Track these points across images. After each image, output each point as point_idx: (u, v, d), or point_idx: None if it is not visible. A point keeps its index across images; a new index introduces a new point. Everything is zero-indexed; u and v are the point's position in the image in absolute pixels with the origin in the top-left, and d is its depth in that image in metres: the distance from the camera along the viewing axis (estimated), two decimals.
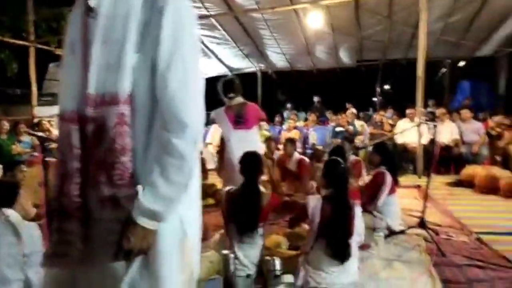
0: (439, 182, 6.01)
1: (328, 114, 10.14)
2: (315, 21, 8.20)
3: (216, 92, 4.06)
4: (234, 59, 11.87)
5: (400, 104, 10.06)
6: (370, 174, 3.94)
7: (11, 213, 2.15)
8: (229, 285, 2.30)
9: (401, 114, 8.24)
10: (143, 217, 1.04)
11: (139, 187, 1.05)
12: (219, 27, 9.51)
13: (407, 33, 9.15)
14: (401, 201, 4.65)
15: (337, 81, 13.45)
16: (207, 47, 10.89)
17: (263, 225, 2.76)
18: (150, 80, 1.07)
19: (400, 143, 7.04)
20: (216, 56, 11.59)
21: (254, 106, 4.12)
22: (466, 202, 4.85)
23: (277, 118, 10.85)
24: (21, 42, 7.98)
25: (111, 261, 1.08)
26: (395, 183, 3.66)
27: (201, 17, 8.72)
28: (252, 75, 12.67)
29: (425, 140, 6.49)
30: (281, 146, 6.04)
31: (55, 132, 8.00)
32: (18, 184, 2.49)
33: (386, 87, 19.71)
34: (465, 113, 7.26)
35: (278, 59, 11.68)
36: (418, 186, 5.52)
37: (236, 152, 3.34)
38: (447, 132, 7.00)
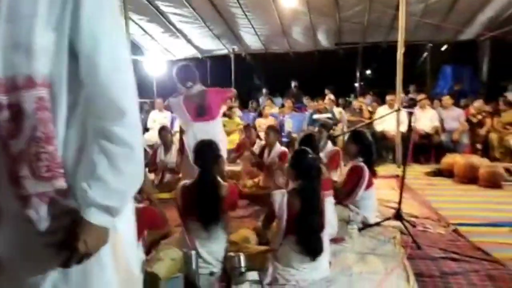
0: (418, 172, 6.18)
1: (306, 100, 10.17)
2: None
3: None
4: (204, 40, 11.69)
5: (382, 89, 10.23)
6: (347, 165, 3.97)
7: None
8: (191, 284, 2.28)
9: (382, 101, 8.38)
10: (97, 215, 1.01)
11: (84, 184, 1.00)
12: (186, 3, 9.31)
13: (387, 14, 9.23)
14: (378, 192, 4.72)
15: (315, 65, 13.46)
16: (174, 26, 10.69)
17: (224, 218, 2.74)
18: (68, 62, 1.01)
19: (379, 131, 7.14)
20: (185, 37, 11.39)
21: (214, 90, 4.08)
22: (445, 192, 4.99)
23: (251, 104, 10.83)
24: None
25: (51, 267, 1.03)
26: (373, 175, 3.71)
27: None
28: (225, 57, 12.54)
29: (404, 127, 6.59)
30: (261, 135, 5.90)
31: None
32: None
33: (367, 72, 20.00)
34: (446, 99, 7.44)
35: (252, 40, 11.59)
36: (397, 176, 5.62)
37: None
38: (427, 119, 7.15)
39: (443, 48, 11.73)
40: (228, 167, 5.43)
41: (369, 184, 3.62)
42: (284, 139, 7.68)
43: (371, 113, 8.01)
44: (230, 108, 7.78)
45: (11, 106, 0.97)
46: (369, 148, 3.74)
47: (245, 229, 3.18)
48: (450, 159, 5.79)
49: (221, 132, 4.20)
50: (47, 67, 0.98)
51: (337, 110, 8.46)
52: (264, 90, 12.14)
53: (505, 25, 9.07)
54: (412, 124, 6.66)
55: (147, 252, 2.76)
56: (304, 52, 12.13)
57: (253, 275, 2.08)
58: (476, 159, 5.52)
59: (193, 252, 2.29)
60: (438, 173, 5.85)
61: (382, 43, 11.33)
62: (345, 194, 3.60)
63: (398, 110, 5.41)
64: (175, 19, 10.37)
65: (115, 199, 1.03)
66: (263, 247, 2.78)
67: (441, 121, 7.21)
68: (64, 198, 1.01)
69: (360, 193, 3.56)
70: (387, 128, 7.04)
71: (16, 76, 0.97)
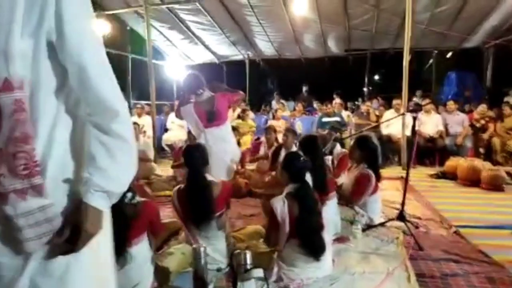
0: (423, 174, 6.05)
1: (316, 104, 10.09)
2: (302, 8, 8.11)
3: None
4: (221, 46, 11.73)
5: (389, 94, 10.10)
6: (351, 169, 3.87)
7: None
8: (200, 279, 2.24)
9: (389, 105, 8.26)
10: (98, 198, 1.04)
11: (86, 173, 1.03)
12: (204, 12, 9.34)
13: (395, 22, 9.10)
14: (383, 193, 4.65)
15: (325, 70, 13.37)
16: (193, 33, 10.75)
17: (220, 215, 2.69)
18: (51, 65, 1.01)
19: (386, 134, 7.04)
20: (203, 43, 11.44)
21: (221, 95, 4.03)
22: (448, 194, 4.86)
23: (264, 107, 10.79)
24: None
25: (27, 263, 1.01)
26: (378, 179, 3.60)
27: (186, 1, 8.55)
28: (240, 63, 12.54)
29: (409, 131, 6.47)
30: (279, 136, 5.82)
31: None
32: None
33: (376, 77, 19.77)
34: (450, 104, 7.29)
35: (266, 47, 11.57)
36: (402, 178, 5.49)
37: (211, 151, 3.22)
38: (432, 123, 7.03)
39: (448, 55, 11.52)
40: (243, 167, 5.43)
41: (375, 190, 3.54)
42: (295, 140, 7.61)
43: (378, 116, 7.89)
44: (243, 111, 7.74)
45: None
46: (374, 153, 3.64)
47: (253, 226, 3.13)
48: (454, 162, 5.65)
49: (231, 134, 4.17)
50: (25, 71, 0.97)
51: (345, 114, 8.37)
52: (276, 94, 12.08)
53: (508, 33, 8.88)
54: (416, 128, 6.60)
55: (159, 247, 2.74)
56: (315, 58, 12.07)
57: (258, 272, 2.03)
58: (478, 163, 5.36)
59: (202, 248, 2.25)
60: (441, 176, 5.71)
61: (390, 49, 11.19)
62: (351, 199, 3.53)
63: (403, 114, 5.30)
64: (194, 27, 10.42)
65: (113, 184, 1.07)
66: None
67: (446, 125, 7.07)
68: (40, 195, 1.00)
69: (365, 198, 3.48)
70: (393, 132, 6.94)
71: None
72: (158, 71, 11.97)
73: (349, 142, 5.71)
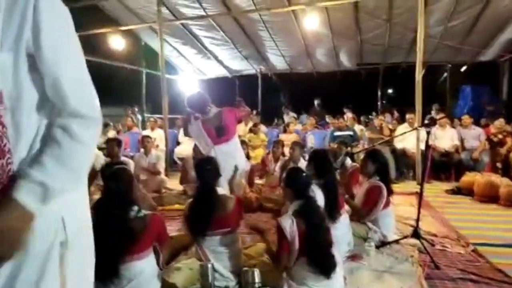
0: (438, 189, 5.91)
1: (328, 118, 10.02)
2: (314, 23, 8.13)
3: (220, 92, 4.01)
4: (233, 61, 11.81)
5: (403, 108, 9.99)
6: (363, 183, 3.79)
7: None
8: None
9: (403, 119, 8.15)
10: (23, 190, 0.93)
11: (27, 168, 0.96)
12: (217, 28, 9.44)
13: (407, 36, 9.04)
14: (397, 209, 4.54)
15: (337, 84, 13.32)
16: (206, 48, 10.85)
17: (232, 231, 2.64)
18: (31, 78, 0.99)
19: (400, 149, 6.93)
20: (216, 58, 11.53)
21: (228, 110, 4.03)
22: (465, 210, 4.71)
23: (276, 121, 10.77)
24: None
25: None
26: (390, 193, 3.51)
27: (199, 17, 8.65)
28: (252, 77, 12.60)
29: (423, 145, 6.36)
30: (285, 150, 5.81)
31: None
32: None
33: (389, 91, 19.62)
34: (466, 118, 7.16)
35: (278, 61, 11.61)
36: (416, 193, 5.37)
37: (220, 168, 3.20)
38: (447, 138, 6.90)
39: (462, 69, 11.37)
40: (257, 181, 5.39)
41: (387, 204, 3.44)
42: (306, 154, 7.56)
43: (392, 130, 7.79)
44: (255, 125, 7.72)
45: None
46: (385, 166, 3.56)
47: (261, 243, 3.06)
48: (470, 178, 5.49)
49: (239, 149, 4.14)
50: (5, 84, 0.95)
51: (358, 128, 8.29)
52: (285, 108, 12.04)
53: None
54: (430, 142, 6.48)
55: (167, 262, 2.69)
56: (327, 72, 12.06)
57: None
58: (496, 178, 5.19)
59: (209, 265, 2.20)
60: (458, 191, 5.55)
61: (402, 63, 11.11)
62: (364, 215, 3.44)
63: (416, 129, 5.20)
64: (207, 42, 10.53)
65: (49, 179, 0.96)
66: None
67: (461, 140, 6.93)
68: None
69: (378, 212, 3.38)
70: (407, 146, 6.82)
71: None
72: (172, 86, 12.10)
73: (360, 156, 5.64)
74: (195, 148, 5.29)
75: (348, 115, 8.52)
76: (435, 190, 5.87)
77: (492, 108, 9.96)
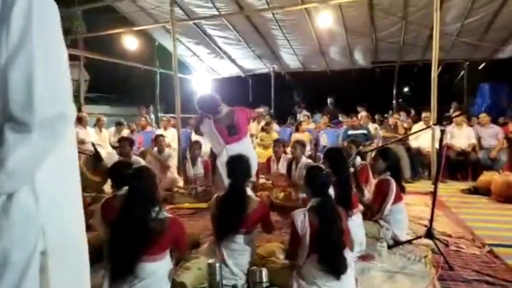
0: (454, 189, 5.80)
1: (341, 117, 9.94)
2: (327, 21, 8.07)
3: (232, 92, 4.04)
4: (246, 60, 11.81)
5: (419, 107, 9.84)
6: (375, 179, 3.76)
7: None
8: None
9: (419, 118, 8.02)
10: None
11: None
12: (230, 27, 9.45)
13: (423, 34, 8.91)
14: (411, 209, 4.48)
15: (351, 83, 13.18)
16: (219, 47, 10.87)
17: (250, 231, 2.63)
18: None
19: (415, 147, 6.83)
20: (229, 57, 11.55)
21: (240, 109, 4.04)
22: (481, 211, 4.60)
23: (289, 120, 10.73)
24: None
25: None
26: (401, 190, 3.47)
27: (212, 17, 8.67)
28: (265, 76, 12.57)
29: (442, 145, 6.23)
30: (289, 149, 5.83)
31: None
32: None
33: (405, 89, 19.34)
34: (483, 117, 7.01)
35: (291, 60, 11.56)
36: (431, 193, 5.27)
37: None
38: (464, 136, 6.77)
39: (480, 67, 11.12)
40: (261, 180, 5.38)
41: (398, 198, 3.39)
42: (319, 154, 7.52)
43: (407, 129, 7.68)
44: (268, 124, 7.70)
45: None
46: (396, 164, 3.51)
47: (273, 243, 3.04)
48: (487, 177, 5.37)
49: (251, 149, 4.15)
50: None
51: (372, 127, 8.19)
52: (298, 107, 11.98)
53: None
54: (446, 141, 6.35)
55: (177, 261, 2.70)
56: (341, 70, 11.95)
57: None
58: None
59: (217, 264, 2.19)
60: (474, 191, 5.43)
61: (418, 61, 10.94)
62: (375, 211, 3.39)
63: (429, 127, 5.11)
64: (220, 41, 10.55)
65: None
66: (289, 262, 2.62)
67: (479, 138, 6.78)
68: None
69: (388, 207, 3.33)
70: (422, 145, 6.72)
71: None
72: (185, 85, 12.17)
73: (372, 155, 5.59)
74: (194, 144, 5.48)
75: (362, 113, 8.43)
76: (451, 190, 5.76)
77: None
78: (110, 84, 13.68)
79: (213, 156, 4.26)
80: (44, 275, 1.03)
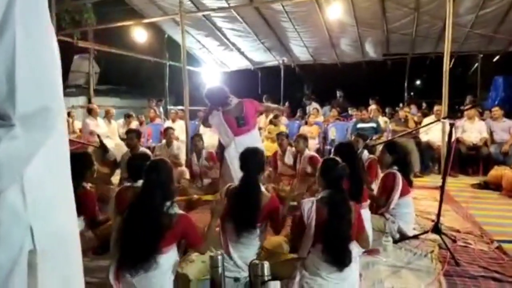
0: (464, 184, 5.72)
1: (350, 110, 9.85)
2: (338, 12, 7.96)
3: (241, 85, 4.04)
4: (256, 53, 11.74)
5: (431, 100, 9.69)
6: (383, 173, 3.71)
7: None
8: None
9: (430, 111, 7.91)
10: None
11: None
12: (240, 19, 9.39)
13: (436, 26, 8.73)
14: (420, 203, 4.45)
15: (362, 75, 13.04)
16: (228, 40, 10.82)
17: (261, 226, 2.62)
18: None
19: (425, 141, 6.74)
20: (238, 50, 11.49)
21: (249, 101, 4.04)
22: (491, 206, 4.53)
23: (298, 113, 10.67)
24: None
25: None
26: (409, 184, 3.43)
27: (221, 8, 8.62)
28: (275, 68, 12.50)
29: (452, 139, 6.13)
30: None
31: (76, 123, 8.14)
32: None
33: (417, 82, 19.09)
34: (496, 110, 6.87)
35: (301, 52, 11.45)
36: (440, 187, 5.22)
37: (237, 162, 3.15)
38: (475, 130, 6.66)
39: (495, 59, 10.89)
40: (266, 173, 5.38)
41: (405, 192, 3.35)
42: (328, 147, 7.48)
43: (417, 123, 7.58)
44: (276, 116, 7.66)
45: None
46: (404, 158, 3.46)
47: (277, 237, 3.04)
48: (498, 172, 5.28)
49: (259, 141, 4.14)
50: None
51: (382, 120, 8.11)
52: (306, 100, 11.87)
53: None
54: (457, 135, 6.26)
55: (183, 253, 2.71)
56: (352, 63, 11.79)
57: (275, 285, 1.94)
58: None
59: (220, 257, 2.19)
60: (484, 186, 5.35)
61: (431, 54, 10.76)
62: (382, 204, 3.37)
63: (438, 120, 5.02)
64: (230, 33, 10.49)
65: None
66: (293, 255, 2.61)
67: (491, 132, 6.66)
68: None
69: (395, 200, 3.30)
70: (432, 139, 6.63)
71: None
72: (194, 78, 12.18)
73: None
74: (196, 137, 5.54)
75: (372, 107, 8.34)
76: (461, 184, 5.69)
77: None
78: (119, 76, 13.79)
79: (221, 148, 4.24)
80: (33, 275, 1.00)
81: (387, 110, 10.36)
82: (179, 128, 7.50)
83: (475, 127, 6.70)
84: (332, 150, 3.58)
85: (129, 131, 5.11)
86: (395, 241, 3.19)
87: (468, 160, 6.54)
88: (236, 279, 2.43)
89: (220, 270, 2.17)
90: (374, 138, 6.56)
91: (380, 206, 3.43)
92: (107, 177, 5.16)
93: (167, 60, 11.61)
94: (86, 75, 11.25)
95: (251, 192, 2.60)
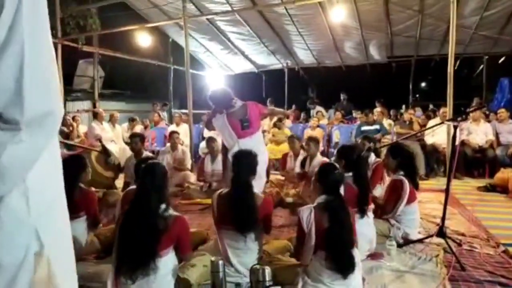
0: (470, 186, 5.66)
1: (354, 113, 9.82)
2: (341, 15, 7.94)
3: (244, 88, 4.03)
4: (260, 56, 11.75)
5: (436, 102, 9.62)
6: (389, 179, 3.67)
7: None
8: None
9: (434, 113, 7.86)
10: None
11: None
12: (243, 22, 9.40)
13: (440, 28, 8.69)
14: (425, 206, 4.40)
15: (367, 78, 13.00)
16: (232, 43, 10.84)
17: (257, 229, 2.59)
18: None
19: (430, 144, 6.68)
20: (242, 53, 11.51)
21: (253, 104, 4.02)
22: (497, 209, 4.47)
23: (302, 116, 10.64)
24: None
25: None
26: (415, 187, 3.38)
27: (225, 12, 8.64)
28: (279, 71, 12.50)
29: (456, 141, 6.07)
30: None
31: (81, 127, 8.18)
32: None
33: (422, 84, 19.00)
34: (502, 112, 6.80)
35: (305, 55, 11.44)
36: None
37: None
38: (481, 132, 6.60)
39: (500, 61, 10.81)
40: (272, 176, 5.35)
41: (411, 199, 3.30)
42: (332, 150, 7.44)
43: (422, 126, 7.52)
44: (280, 120, 7.65)
45: None
46: (409, 161, 3.41)
47: (280, 241, 3.02)
48: (505, 174, 5.21)
49: (262, 144, 4.11)
50: None
51: (387, 122, 8.06)
52: (310, 103, 11.83)
53: None
54: (462, 137, 6.20)
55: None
56: (356, 65, 11.76)
57: None
58: None
59: (221, 262, 2.17)
60: (491, 189, 5.28)
61: (435, 56, 10.70)
62: (387, 211, 3.32)
63: (442, 123, 4.98)
64: (234, 37, 10.52)
65: None
66: (294, 261, 2.58)
67: (497, 134, 6.60)
68: None
69: (401, 208, 3.26)
70: (438, 141, 6.57)
71: None
72: (199, 81, 12.21)
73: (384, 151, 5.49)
74: (209, 141, 5.46)
75: (377, 109, 8.30)
76: (467, 187, 5.62)
77: None
78: (124, 80, 13.85)
79: (224, 150, 4.23)
80: (46, 275, 1.04)
81: (391, 112, 10.31)
82: (184, 132, 7.51)
83: (481, 129, 6.64)
84: (335, 152, 3.55)
85: (133, 135, 5.12)
86: (399, 245, 3.15)
87: (474, 163, 6.48)
88: (238, 285, 2.40)
89: (221, 275, 2.15)
90: (377, 137, 6.52)
91: (385, 212, 3.38)
92: (111, 181, 5.17)
93: (171, 64, 11.65)
94: (91, 79, 11.32)
95: (244, 194, 2.56)
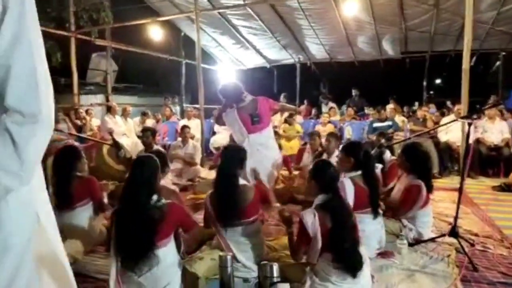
0: (484, 186, 5.56)
1: (367, 109, 9.72)
2: (354, 10, 7.85)
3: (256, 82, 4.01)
4: (271, 51, 11.70)
5: (452, 99, 9.47)
6: (401, 178, 3.58)
7: None
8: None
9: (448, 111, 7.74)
10: None
11: None
12: (255, 16, 9.35)
13: (456, 23, 8.53)
14: (438, 205, 4.34)
15: (380, 74, 12.85)
16: (244, 37, 10.80)
17: (254, 221, 2.59)
18: None
19: (444, 142, 6.58)
20: (254, 48, 11.47)
21: (264, 99, 3.99)
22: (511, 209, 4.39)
23: (313, 112, 10.59)
24: (63, 33, 8.26)
25: None
26: (429, 189, 3.29)
27: (237, 6, 8.60)
28: (291, 66, 12.43)
29: (470, 139, 5.97)
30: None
31: (94, 120, 8.26)
32: None
33: (437, 81, 18.72)
34: None
35: (317, 50, 11.35)
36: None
37: (251, 160, 3.11)
38: (497, 130, 6.47)
39: None
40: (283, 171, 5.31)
41: (425, 203, 3.23)
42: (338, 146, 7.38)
43: (436, 122, 7.41)
44: (291, 115, 7.61)
45: None
46: (423, 162, 3.32)
47: (286, 236, 3.00)
48: None
49: (273, 140, 4.09)
50: None
51: (399, 119, 7.96)
52: (322, 99, 11.76)
53: None
54: (477, 135, 6.08)
55: (192, 252, 2.70)
56: (369, 61, 11.63)
57: (285, 287, 1.91)
58: None
59: (229, 257, 2.17)
60: (506, 188, 5.18)
61: (451, 52, 10.51)
62: (399, 214, 3.27)
63: (455, 121, 4.89)
64: (245, 31, 10.48)
65: None
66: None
67: None
68: None
69: (415, 210, 3.20)
70: (452, 139, 6.46)
71: None
72: (210, 76, 12.20)
73: (397, 149, 5.41)
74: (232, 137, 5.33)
75: (390, 106, 8.20)
76: (481, 186, 5.52)
77: None
78: (136, 74, 13.93)
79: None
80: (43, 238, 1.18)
81: (405, 109, 10.19)
82: (195, 126, 7.53)
83: (496, 127, 6.51)
84: (340, 149, 3.48)
85: (144, 130, 5.15)
86: (410, 244, 3.10)
87: (489, 161, 6.36)
88: (246, 280, 2.40)
89: (229, 270, 2.15)
90: (389, 133, 6.43)
91: (397, 215, 3.32)
92: (122, 174, 5.21)
93: (183, 58, 11.67)
94: (103, 73, 11.41)
95: (229, 187, 2.56)
